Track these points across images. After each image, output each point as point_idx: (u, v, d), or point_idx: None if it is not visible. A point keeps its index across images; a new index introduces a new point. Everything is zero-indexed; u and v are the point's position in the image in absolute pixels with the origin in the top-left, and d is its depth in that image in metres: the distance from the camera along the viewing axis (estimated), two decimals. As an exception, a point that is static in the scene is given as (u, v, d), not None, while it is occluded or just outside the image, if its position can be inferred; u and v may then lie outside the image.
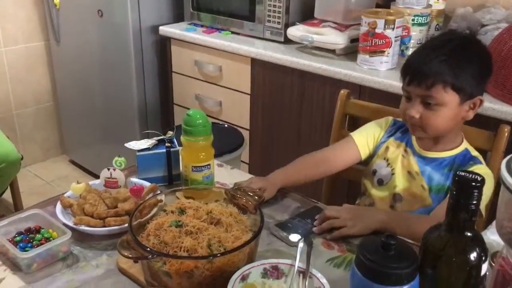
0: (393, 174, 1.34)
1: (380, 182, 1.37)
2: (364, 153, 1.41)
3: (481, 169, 1.26)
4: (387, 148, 1.37)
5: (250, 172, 1.79)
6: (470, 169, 1.24)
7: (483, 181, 0.67)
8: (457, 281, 0.70)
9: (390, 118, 1.42)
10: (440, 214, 1.19)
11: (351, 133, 1.43)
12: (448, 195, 0.70)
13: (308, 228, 1.15)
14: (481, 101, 1.25)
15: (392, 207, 1.34)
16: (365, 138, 1.40)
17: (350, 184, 1.99)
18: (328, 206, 1.22)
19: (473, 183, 0.66)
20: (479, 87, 1.23)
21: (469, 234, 0.70)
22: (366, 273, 0.70)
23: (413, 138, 1.34)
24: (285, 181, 1.32)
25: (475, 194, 0.67)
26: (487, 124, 1.55)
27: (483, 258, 0.70)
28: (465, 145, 1.30)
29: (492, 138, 1.38)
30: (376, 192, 1.38)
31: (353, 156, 1.41)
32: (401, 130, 1.38)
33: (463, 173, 0.68)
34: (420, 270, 0.71)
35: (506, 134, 1.35)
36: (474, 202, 0.67)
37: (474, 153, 1.30)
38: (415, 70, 1.20)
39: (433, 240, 0.71)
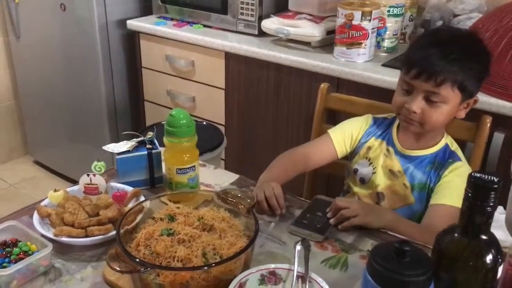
0: (374, 173, 1.33)
1: (362, 181, 1.36)
2: (340, 151, 1.39)
3: (460, 166, 1.25)
4: (369, 148, 1.35)
5: (226, 169, 1.75)
6: (450, 167, 1.24)
7: (499, 182, 0.65)
8: (474, 284, 0.68)
9: (370, 118, 1.39)
10: (439, 227, 1.17)
11: (329, 130, 1.41)
12: (463, 198, 0.68)
13: (324, 221, 1.13)
14: (475, 101, 1.25)
15: (377, 204, 1.33)
16: (343, 137, 1.39)
17: (330, 178, 1.98)
18: (337, 198, 1.20)
19: (490, 185, 0.64)
20: (479, 88, 1.23)
21: (484, 237, 0.68)
22: (381, 281, 0.67)
23: (394, 137, 1.32)
24: (282, 181, 1.27)
25: (492, 196, 0.65)
26: (466, 115, 1.56)
27: (499, 260, 0.68)
28: (445, 139, 1.29)
29: (473, 129, 1.38)
30: (360, 191, 1.37)
31: (329, 154, 1.39)
32: (381, 127, 1.36)
33: (479, 175, 0.66)
34: (435, 275, 0.69)
35: (488, 125, 1.36)
36: (491, 204, 0.65)
37: (453, 146, 1.29)
38: (425, 64, 1.16)
39: (447, 244, 0.69)
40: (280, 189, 1.19)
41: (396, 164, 1.30)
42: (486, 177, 0.65)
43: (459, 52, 1.16)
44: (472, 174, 0.66)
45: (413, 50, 1.24)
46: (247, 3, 2.14)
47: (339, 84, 1.89)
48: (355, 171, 1.37)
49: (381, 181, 1.32)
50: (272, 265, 0.94)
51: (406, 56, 1.25)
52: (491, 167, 1.62)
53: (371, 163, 1.34)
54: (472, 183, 0.66)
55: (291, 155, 1.38)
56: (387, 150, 1.32)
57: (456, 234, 0.69)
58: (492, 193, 0.65)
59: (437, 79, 1.15)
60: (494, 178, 0.65)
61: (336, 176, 1.65)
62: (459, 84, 1.16)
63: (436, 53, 1.15)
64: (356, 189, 1.37)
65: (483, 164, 1.49)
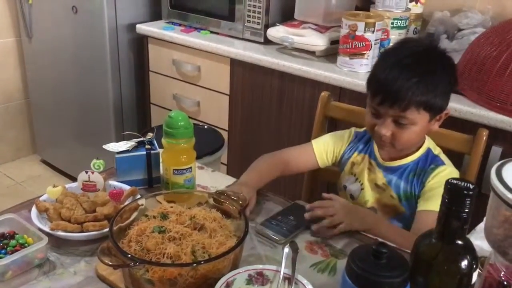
0: (362, 189, 1.34)
1: (352, 197, 1.37)
2: (322, 162, 1.40)
3: (444, 170, 1.24)
4: (353, 163, 1.36)
5: (228, 174, 1.77)
6: (433, 173, 1.23)
7: (475, 189, 0.67)
8: (448, 289, 0.70)
9: (352, 132, 1.40)
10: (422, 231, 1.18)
11: (313, 140, 1.42)
12: (440, 204, 0.69)
13: (292, 225, 1.15)
14: (447, 114, 1.24)
15: None
16: (325, 149, 1.40)
17: (329, 186, 1.99)
18: (316, 202, 1.20)
19: (465, 191, 0.66)
20: (447, 102, 1.21)
21: (460, 242, 0.70)
22: (357, 282, 0.69)
23: (375, 150, 1.33)
24: (261, 183, 1.30)
25: (467, 202, 0.67)
26: (464, 127, 1.57)
27: (474, 266, 0.70)
28: (427, 144, 1.28)
29: (470, 142, 1.39)
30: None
31: (310, 163, 1.41)
32: (362, 141, 1.37)
33: (455, 181, 0.68)
34: (411, 278, 0.70)
35: (484, 137, 1.37)
36: (466, 210, 0.67)
37: (436, 150, 1.29)
38: (387, 90, 1.15)
39: (424, 248, 0.71)
40: (248, 195, 1.19)
41: (380, 177, 1.30)
42: (462, 183, 0.67)
43: (421, 72, 1.14)
44: (449, 180, 0.68)
45: (376, 71, 1.22)
46: (254, 11, 2.17)
47: (341, 93, 1.91)
48: (344, 187, 1.39)
49: (370, 196, 1.32)
50: (260, 266, 0.96)
51: (370, 77, 1.24)
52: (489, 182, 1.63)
53: (357, 179, 1.35)
54: (449, 189, 0.68)
55: (271, 159, 1.39)
56: (370, 163, 1.33)
57: (432, 239, 0.71)
58: (468, 199, 0.67)
59: (401, 104, 1.14)
60: (470, 185, 0.67)
61: (334, 184, 1.66)
62: (425, 105, 1.15)
63: (398, 78, 1.13)
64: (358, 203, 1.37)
65: (480, 177, 1.49)
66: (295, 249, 0.99)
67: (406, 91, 1.13)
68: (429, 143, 1.30)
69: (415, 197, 1.27)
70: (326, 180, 1.72)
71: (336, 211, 1.14)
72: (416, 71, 1.14)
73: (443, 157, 1.29)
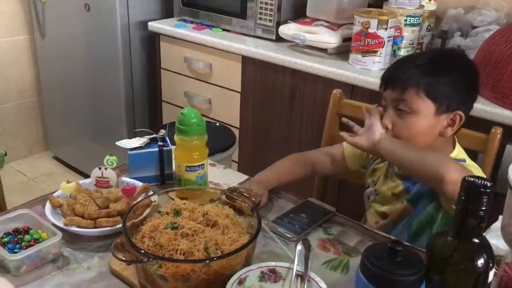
0: (377, 194, 1.32)
1: (368, 198, 1.37)
2: (351, 165, 1.39)
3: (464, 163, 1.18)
4: (374, 170, 1.34)
5: (239, 171, 1.77)
6: None
7: (492, 187, 0.66)
8: (464, 287, 0.69)
9: None
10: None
11: (344, 143, 1.39)
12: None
13: (304, 223, 1.15)
14: (461, 118, 1.16)
15: (376, 222, 1.32)
16: (354, 152, 1.36)
17: (340, 183, 1.99)
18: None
19: (482, 189, 0.66)
20: (459, 101, 1.16)
21: (477, 240, 0.69)
22: (372, 280, 0.68)
23: None
24: (276, 183, 1.30)
25: (484, 200, 0.66)
26: (478, 125, 1.55)
27: (491, 265, 0.69)
28: (453, 155, 1.21)
29: (484, 140, 1.38)
30: (372, 207, 1.35)
31: (339, 166, 1.40)
32: None
33: (471, 179, 0.67)
34: (426, 276, 0.70)
35: (498, 136, 1.35)
36: (483, 208, 0.66)
37: (461, 156, 1.23)
38: (390, 74, 1.19)
39: (440, 246, 0.70)
40: (258, 198, 1.17)
41: (398, 185, 1.26)
42: (479, 181, 0.67)
43: (425, 61, 1.16)
44: (466, 178, 0.68)
45: (388, 67, 1.26)
46: (266, 9, 2.17)
47: (354, 91, 1.90)
48: (367, 187, 1.37)
49: (384, 202, 1.30)
50: (273, 263, 0.95)
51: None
52: (503, 180, 1.61)
53: (375, 185, 1.33)
54: (465, 186, 0.67)
55: (298, 159, 1.39)
56: (388, 171, 1.29)
57: (448, 237, 0.70)
58: (485, 197, 0.66)
59: (400, 84, 1.15)
60: (487, 183, 0.67)
61: (346, 181, 1.66)
62: (426, 90, 1.12)
63: (404, 64, 1.18)
64: (370, 204, 1.37)
65: (494, 176, 1.48)
66: (307, 247, 0.99)
67: (405, 71, 1.15)
68: (455, 155, 1.22)
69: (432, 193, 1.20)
70: (338, 177, 1.71)
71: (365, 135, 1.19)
72: (422, 58, 1.18)
73: (467, 160, 1.23)
